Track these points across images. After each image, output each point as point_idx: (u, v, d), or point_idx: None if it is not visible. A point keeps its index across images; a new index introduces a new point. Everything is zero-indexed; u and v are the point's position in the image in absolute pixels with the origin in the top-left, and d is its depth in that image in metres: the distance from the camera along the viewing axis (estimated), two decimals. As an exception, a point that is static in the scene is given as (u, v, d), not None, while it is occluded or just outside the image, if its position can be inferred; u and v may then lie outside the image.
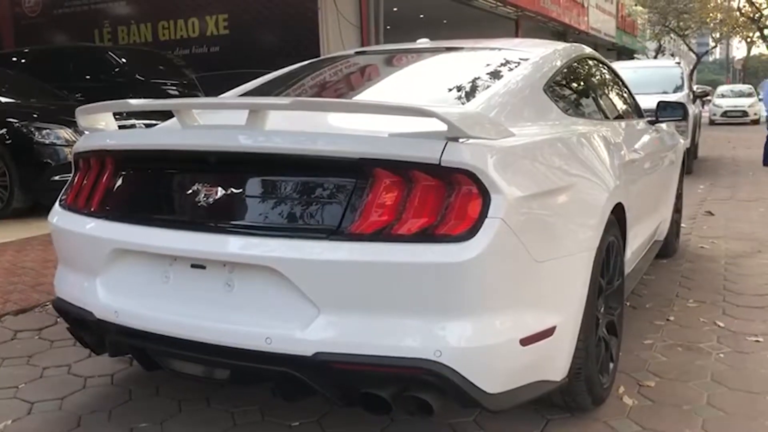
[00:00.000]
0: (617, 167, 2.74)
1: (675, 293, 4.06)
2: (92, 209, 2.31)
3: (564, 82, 2.97)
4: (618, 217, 2.68)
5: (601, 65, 3.64)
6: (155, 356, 2.18)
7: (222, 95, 3.19)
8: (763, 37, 31.19)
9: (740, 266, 4.66)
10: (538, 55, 2.93)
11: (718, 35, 40.69)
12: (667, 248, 4.69)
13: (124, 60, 9.37)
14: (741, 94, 26.35)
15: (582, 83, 3.28)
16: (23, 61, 9.88)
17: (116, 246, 2.18)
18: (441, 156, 1.84)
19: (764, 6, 30.09)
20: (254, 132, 2.03)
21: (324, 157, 1.94)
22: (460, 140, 1.88)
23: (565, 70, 3.00)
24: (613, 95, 3.65)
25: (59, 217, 2.44)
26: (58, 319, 3.63)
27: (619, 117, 3.54)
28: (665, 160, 4.11)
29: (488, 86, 2.58)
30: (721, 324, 3.49)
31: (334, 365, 1.88)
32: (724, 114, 25.02)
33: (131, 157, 2.29)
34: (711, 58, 75.74)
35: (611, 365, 2.66)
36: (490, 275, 1.87)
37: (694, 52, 43.53)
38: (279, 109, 2.09)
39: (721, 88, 27.97)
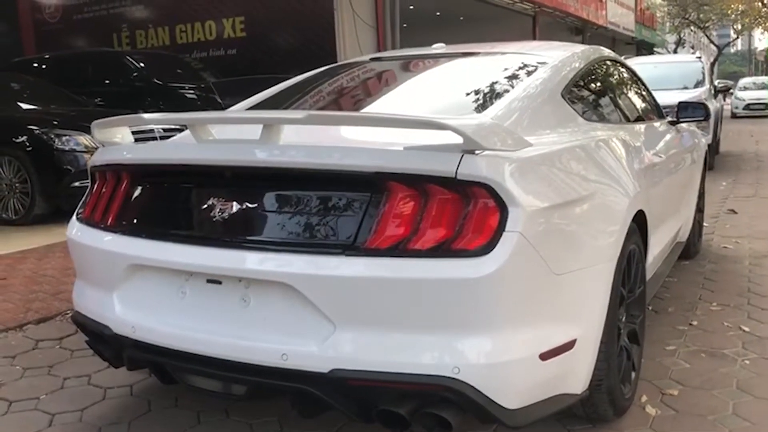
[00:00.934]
0: (638, 173, 2.70)
1: (698, 296, 3.99)
2: (108, 223, 2.31)
3: (582, 87, 2.92)
4: (639, 224, 2.63)
5: (619, 66, 3.59)
6: (172, 371, 2.17)
7: (237, 105, 3.19)
8: (785, 28, 30.69)
9: (765, 267, 4.57)
10: (555, 58, 2.89)
11: (739, 26, 40.13)
12: (689, 249, 4.62)
13: (142, 64, 9.44)
14: (764, 87, 25.92)
15: (601, 86, 3.24)
16: (44, 67, 10.00)
17: (132, 261, 2.18)
18: (457, 169, 1.82)
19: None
20: (268, 146, 2.02)
21: (339, 171, 1.92)
22: (476, 152, 1.85)
23: (584, 74, 2.96)
24: (632, 96, 3.60)
25: (76, 230, 2.45)
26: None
27: (639, 119, 3.48)
28: (687, 160, 4.05)
29: (505, 93, 2.55)
30: (746, 329, 3.42)
31: (350, 382, 1.86)
32: (747, 107, 24.61)
33: (146, 171, 2.30)
34: (733, 50, 74.71)
35: (633, 375, 2.62)
36: (508, 290, 1.84)
37: (715, 44, 42.99)
38: (293, 124, 2.07)
39: (743, 81, 27.55)
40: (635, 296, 2.65)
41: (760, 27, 35.38)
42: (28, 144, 6.35)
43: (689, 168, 4.14)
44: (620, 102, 3.33)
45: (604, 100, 3.14)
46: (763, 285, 4.16)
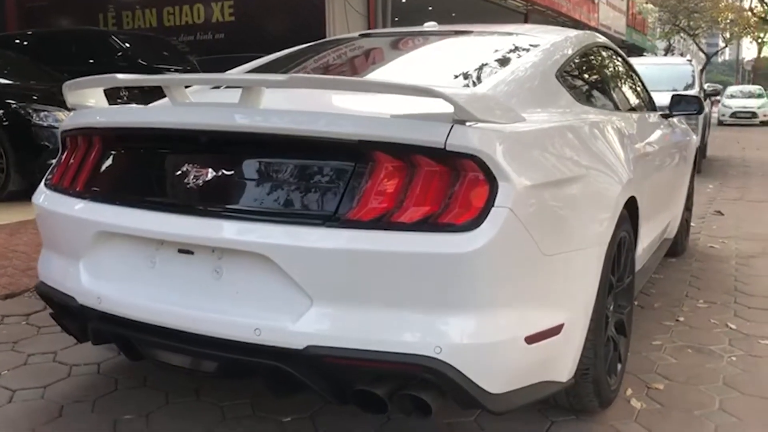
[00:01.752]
0: (631, 160, 2.62)
1: (684, 293, 3.93)
2: (78, 190, 2.20)
3: (576, 70, 2.84)
4: (630, 212, 2.55)
5: (614, 55, 3.51)
6: (139, 346, 2.06)
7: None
8: (774, 37, 30.88)
9: (752, 267, 4.53)
10: (549, 41, 2.80)
11: (728, 35, 40.36)
12: (676, 247, 4.56)
13: (127, 44, 9.24)
14: (751, 95, 26.10)
15: (595, 72, 3.15)
16: (25, 43, 9.76)
17: (101, 228, 2.06)
18: (446, 139, 1.72)
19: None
20: (248, 110, 1.91)
21: (321, 138, 1.81)
22: (467, 124, 1.76)
23: (578, 58, 2.87)
24: (626, 86, 3.52)
25: (44, 197, 2.33)
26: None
27: (632, 109, 3.40)
28: (678, 155, 3.98)
29: (498, 70, 2.45)
30: (733, 326, 3.36)
31: (326, 360, 1.76)
32: (733, 115, 24.75)
33: (119, 135, 2.18)
34: (720, 59, 75.24)
35: (619, 366, 2.54)
36: (495, 268, 1.74)
37: (704, 52, 43.22)
38: (275, 87, 1.96)
39: (731, 89, 27.72)
40: (624, 286, 2.57)
41: (749, 36, 35.61)
42: (4, 118, 6.18)
43: (680, 164, 4.07)
44: (614, 90, 3.24)
45: (599, 86, 3.05)
46: (750, 284, 4.11)
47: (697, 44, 41.85)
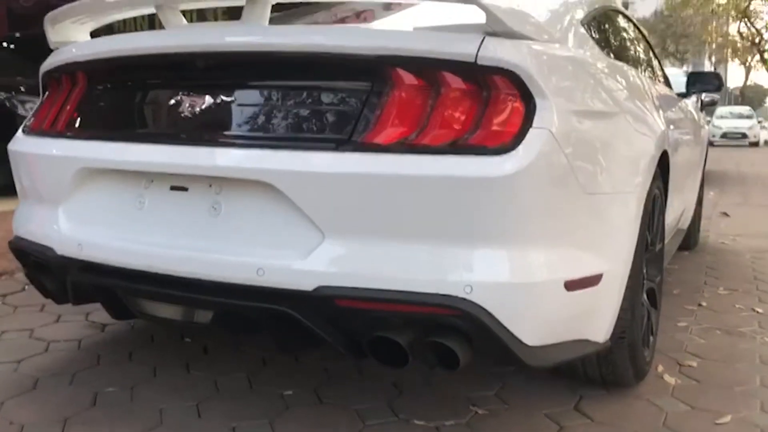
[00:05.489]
0: (662, 117, 2.42)
1: (703, 281, 3.73)
2: (59, 130, 1.97)
3: (601, 25, 2.65)
4: (662, 171, 2.35)
5: (632, 23, 3.33)
6: (125, 297, 1.82)
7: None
8: (763, 60, 31.11)
9: (768, 260, 4.34)
10: None
11: (714, 59, 40.73)
12: (689, 239, 4.38)
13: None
14: (740, 116, 26.17)
15: (617, 32, 2.96)
16: (12, 46, 9.53)
17: (83, 165, 1.83)
18: (477, 52, 1.51)
19: (764, 30, 30.09)
20: (252, 27, 1.70)
21: (335, 55, 1.60)
22: (500, 36, 1.56)
23: (602, 15, 2.68)
24: (646, 55, 3.34)
25: (20, 142, 2.10)
26: (27, 286, 3.29)
27: (653, 78, 3.22)
28: (693, 140, 3.79)
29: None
30: (760, 310, 3.15)
31: (339, 302, 1.53)
32: (724, 135, 24.75)
33: (106, 67, 1.94)
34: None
35: (651, 339, 2.32)
36: (532, 196, 1.53)
37: (691, 76, 43.50)
38: (283, -4, 1.75)
39: (721, 110, 27.77)
40: (655, 251, 2.37)
41: (737, 60, 35.93)
42: (-12, 109, 5.93)
43: (695, 147, 3.89)
44: (637, 53, 3.06)
45: (622, 45, 2.86)
46: (770, 274, 3.92)
47: (685, 70, 42.22)
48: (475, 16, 1.58)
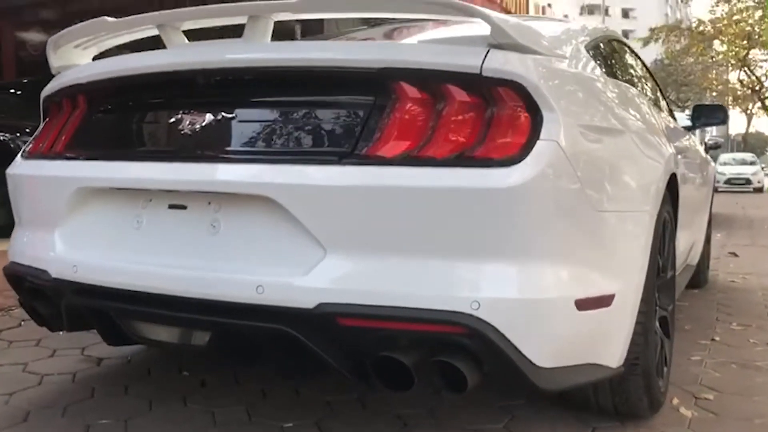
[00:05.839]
0: (670, 141, 2.39)
1: (715, 317, 3.65)
2: (57, 152, 1.94)
3: (606, 55, 2.64)
4: (671, 196, 2.31)
5: (635, 55, 3.33)
6: (120, 320, 1.76)
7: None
8: (764, 107, 31.34)
9: (781, 297, 4.25)
10: (577, 23, 2.62)
11: (716, 107, 40.95)
12: (698, 277, 4.29)
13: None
14: (744, 162, 26.24)
15: (623, 60, 2.95)
16: (19, 92, 9.65)
17: (80, 185, 1.80)
18: (482, 64, 1.49)
19: (764, 78, 30.38)
20: (254, 44, 1.68)
21: (337, 69, 1.58)
22: (505, 49, 1.53)
23: (606, 43, 2.68)
24: (650, 86, 3.33)
25: (18, 166, 2.08)
26: (23, 322, 3.23)
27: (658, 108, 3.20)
28: (700, 175, 3.76)
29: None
30: (776, 345, 3.07)
31: (341, 320, 1.47)
32: (728, 181, 24.75)
33: (107, 87, 1.92)
34: (708, 130, 76.35)
35: (665, 370, 2.24)
36: (541, 209, 1.48)
37: (693, 124, 43.79)
38: (284, 11, 1.73)
39: (724, 156, 27.89)
40: (667, 278, 2.30)
41: (738, 107, 36.19)
42: (-7, 151, 5.96)
43: (702, 183, 3.85)
44: (641, 82, 3.05)
45: (628, 72, 2.85)
46: (783, 311, 3.83)
47: (686, 117, 42.50)
48: (480, 29, 1.56)
